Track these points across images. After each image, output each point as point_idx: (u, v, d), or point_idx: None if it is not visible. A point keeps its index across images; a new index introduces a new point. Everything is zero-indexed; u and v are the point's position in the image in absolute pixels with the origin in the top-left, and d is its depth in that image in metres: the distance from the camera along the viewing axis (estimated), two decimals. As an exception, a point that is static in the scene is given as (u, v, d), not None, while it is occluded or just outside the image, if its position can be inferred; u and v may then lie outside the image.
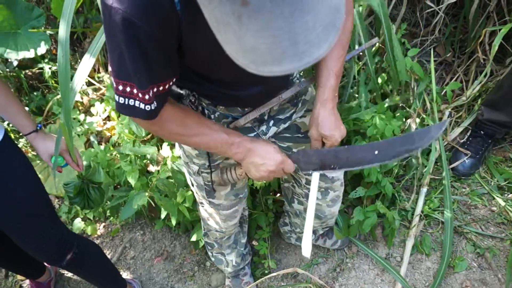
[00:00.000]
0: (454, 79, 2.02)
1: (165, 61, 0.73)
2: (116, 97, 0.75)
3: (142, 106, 0.76)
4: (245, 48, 0.45)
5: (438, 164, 1.82)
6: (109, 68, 0.76)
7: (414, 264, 1.64)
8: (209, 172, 1.11)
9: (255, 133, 1.06)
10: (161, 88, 0.77)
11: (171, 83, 0.79)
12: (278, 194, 1.77)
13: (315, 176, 0.94)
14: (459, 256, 1.61)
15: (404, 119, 1.68)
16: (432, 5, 1.85)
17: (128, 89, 0.74)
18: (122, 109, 0.77)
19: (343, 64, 0.94)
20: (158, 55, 0.71)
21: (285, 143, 1.15)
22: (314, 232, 1.66)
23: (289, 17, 0.41)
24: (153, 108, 0.77)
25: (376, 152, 0.89)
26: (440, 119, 1.88)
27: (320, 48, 0.45)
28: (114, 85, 0.74)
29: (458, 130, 1.91)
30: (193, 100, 0.93)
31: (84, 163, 1.41)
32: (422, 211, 1.71)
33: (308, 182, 1.25)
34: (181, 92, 0.92)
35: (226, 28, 0.44)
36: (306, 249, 0.90)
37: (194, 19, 0.67)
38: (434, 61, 1.94)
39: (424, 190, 1.72)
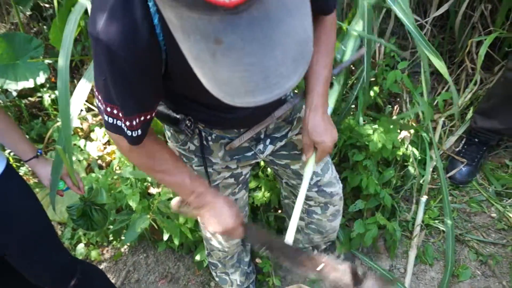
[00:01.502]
0: (445, 88, 2.06)
1: (149, 90, 0.75)
2: (105, 117, 0.77)
3: (126, 130, 0.78)
4: (220, 82, 0.48)
5: (435, 173, 1.84)
6: (95, 91, 0.77)
7: (418, 275, 1.64)
8: None
9: (253, 152, 1.08)
10: (148, 117, 0.79)
11: (155, 111, 0.82)
12: (279, 211, 1.78)
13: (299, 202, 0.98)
14: (462, 265, 1.61)
15: (398, 131, 1.71)
16: (418, 18, 1.91)
17: (115, 111, 0.76)
18: (110, 127, 0.79)
19: (330, 72, 0.98)
20: (143, 85, 0.72)
21: (283, 160, 1.18)
22: (317, 247, 1.66)
23: (259, 53, 0.44)
24: (136, 135, 0.79)
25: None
26: (434, 128, 1.92)
27: (290, 80, 0.47)
28: (102, 107, 0.76)
29: (452, 138, 1.94)
30: (189, 124, 0.94)
31: (86, 186, 1.43)
32: (422, 221, 1.72)
33: (308, 198, 1.27)
34: (177, 116, 0.94)
35: (203, 64, 0.47)
36: (290, 237, 0.94)
37: (177, 46, 0.71)
38: (425, 72, 1.99)
39: (423, 200, 1.74)
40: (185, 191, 0.91)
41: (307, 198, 1.27)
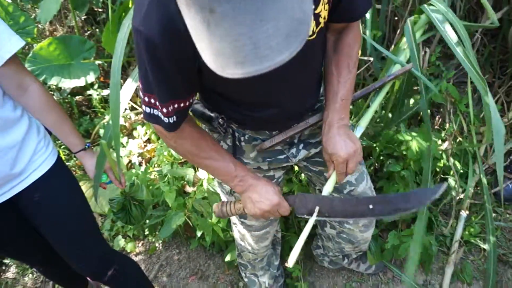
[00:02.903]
0: (494, 100, 1.95)
1: (183, 79, 0.80)
2: (144, 107, 0.84)
3: (163, 117, 0.83)
4: (214, 53, 0.50)
5: (478, 188, 1.75)
6: (138, 84, 0.85)
7: (455, 293, 1.56)
8: None
9: (285, 155, 1.09)
10: (181, 104, 0.83)
11: (189, 101, 0.86)
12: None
13: (311, 221, 0.95)
14: (504, 287, 1.52)
15: (440, 141, 1.65)
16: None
17: (152, 100, 0.82)
18: (149, 118, 0.85)
19: (350, 88, 0.95)
20: (177, 73, 0.77)
21: (317, 167, 1.18)
22: (347, 256, 1.64)
23: (250, 24, 0.46)
24: (172, 121, 0.83)
25: (371, 206, 0.91)
26: (480, 141, 1.82)
27: (281, 54, 0.49)
28: (142, 97, 0.83)
29: (499, 153, 1.83)
30: (221, 122, 0.98)
31: (127, 182, 1.50)
32: (462, 237, 1.64)
33: None
34: (211, 114, 0.98)
35: (201, 36, 0.50)
36: (292, 259, 0.90)
37: None
38: (472, 82, 1.90)
39: (463, 215, 1.66)
40: (229, 176, 0.95)
41: None
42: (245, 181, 0.95)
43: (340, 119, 0.93)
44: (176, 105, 0.82)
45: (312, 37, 0.82)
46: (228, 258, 1.67)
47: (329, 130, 0.94)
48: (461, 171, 1.66)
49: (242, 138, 1.04)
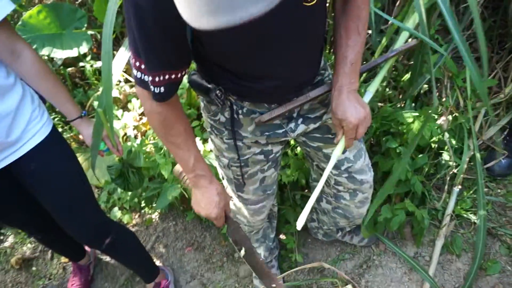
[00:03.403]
0: (492, 75, 1.94)
1: (172, 49, 0.78)
2: (134, 72, 0.83)
3: (150, 85, 0.82)
4: (188, 3, 0.50)
5: (471, 163, 1.77)
6: (128, 47, 0.84)
7: (444, 264, 1.61)
8: (238, 166, 1.15)
9: (284, 130, 1.08)
10: (172, 76, 0.82)
11: (179, 74, 0.84)
12: (306, 190, 1.79)
13: (317, 188, 0.97)
14: (492, 259, 1.56)
15: (436, 117, 1.65)
16: (469, -1, 1.79)
17: (142, 66, 0.81)
18: (138, 82, 0.85)
19: (360, 51, 0.93)
20: (165, 41, 0.76)
21: (315, 142, 1.17)
22: (341, 229, 1.67)
23: None
24: (157, 91, 0.83)
25: None
26: (475, 117, 1.83)
27: (255, 4, 0.47)
28: (132, 61, 0.81)
29: (494, 128, 1.84)
30: (219, 94, 0.96)
31: (125, 150, 1.50)
32: (453, 211, 1.68)
33: (337, 183, 1.27)
34: (209, 86, 0.96)
35: None
36: (300, 222, 0.95)
37: None
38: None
39: (456, 189, 1.68)
40: (186, 168, 0.98)
41: (337, 183, 1.27)
42: (198, 180, 0.99)
43: (350, 84, 0.92)
44: (167, 76, 0.81)
45: (312, 3, 0.80)
46: (224, 230, 1.69)
47: (339, 95, 0.92)
48: (456, 146, 1.67)
49: (240, 111, 1.02)
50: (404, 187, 1.59)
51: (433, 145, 1.65)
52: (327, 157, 1.20)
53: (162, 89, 0.82)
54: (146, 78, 0.82)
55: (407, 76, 1.68)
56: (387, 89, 1.86)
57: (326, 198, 1.41)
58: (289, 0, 0.73)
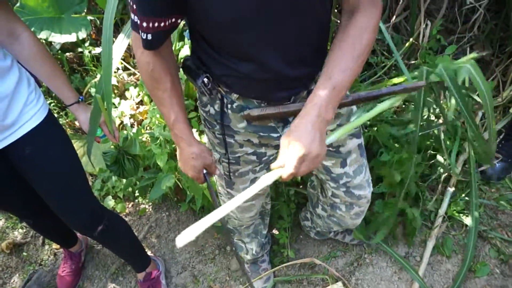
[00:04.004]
0: (491, 79, 1.95)
1: None
2: (132, 15, 0.82)
3: (140, 30, 0.81)
4: None
5: (466, 166, 1.78)
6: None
7: (434, 265, 1.63)
8: (227, 162, 1.14)
9: (279, 134, 1.04)
10: (162, 24, 0.80)
11: (168, 23, 0.81)
12: (301, 186, 1.79)
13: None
14: (481, 261, 1.58)
15: (433, 117, 1.65)
16: (472, 0, 1.79)
17: (134, 6, 0.80)
18: (133, 26, 0.84)
19: (349, 79, 0.79)
20: None
21: None
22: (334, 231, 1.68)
23: None
24: (145, 38, 0.82)
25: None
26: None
27: None
28: (130, 3, 0.80)
29: (490, 132, 1.85)
30: (206, 81, 0.94)
31: (121, 137, 1.49)
32: (446, 213, 1.69)
33: (334, 195, 1.25)
34: (198, 72, 0.95)
35: None
36: (181, 240, 0.68)
37: None
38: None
39: (449, 191, 1.69)
40: (168, 125, 0.99)
41: (334, 195, 1.25)
42: (176, 140, 1.00)
43: (324, 111, 0.77)
44: (156, 24, 0.80)
45: None
46: (217, 222, 1.69)
47: (306, 115, 0.77)
48: (451, 148, 1.67)
49: (229, 106, 1.00)
50: (398, 187, 1.59)
51: (428, 144, 1.65)
52: (327, 170, 1.17)
53: (150, 36, 0.82)
54: (136, 20, 0.81)
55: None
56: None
57: (322, 206, 1.40)
58: None
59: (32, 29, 1.90)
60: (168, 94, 0.93)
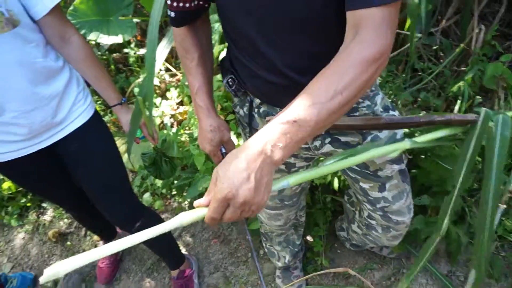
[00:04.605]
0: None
1: None
2: None
3: (168, 8, 0.88)
4: None
5: (520, 182, 1.65)
6: None
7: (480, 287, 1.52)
8: None
9: (308, 145, 1.01)
10: (180, 4, 0.86)
11: (189, 5, 0.86)
12: (338, 194, 1.75)
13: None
14: (534, 286, 1.46)
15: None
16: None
17: None
18: (167, 5, 0.89)
19: (322, 118, 0.59)
20: None
21: (353, 173, 1.07)
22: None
23: None
24: (169, 14, 0.88)
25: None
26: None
27: None
28: None
29: (550, 146, 1.70)
30: (230, 82, 0.96)
31: (160, 138, 1.53)
32: (495, 231, 1.57)
33: (370, 217, 1.18)
34: (226, 73, 0.98)
35: None
36: (47, 274, 0.55)
37: None
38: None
39: (500, 208, 1.57)
40: (191, 94, 1.01)
41: (370, 216, 1.18)
42: (197, 110, 1.00)
43: (271, 149, 0.57)
44: (180, 4, 0.86)
45: None
46: (251, 226, 1.69)
47: (244, 148, 0.58)
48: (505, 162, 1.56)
49: (256, 110, 1.00)
50: (442, 200, 1.50)
51: (478, 158, 1.55)
52: (364, 192, 1.09)
53: (173, 14, 0.88)
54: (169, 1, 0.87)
55: (457, 85, 1.58)
56: (431, 98, 1.77)
57: (358, 224, 1.34)
58: None
59: (83, 31, 2.00)
60: (195, 63, 0.96)
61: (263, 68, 0.86)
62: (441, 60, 1.88)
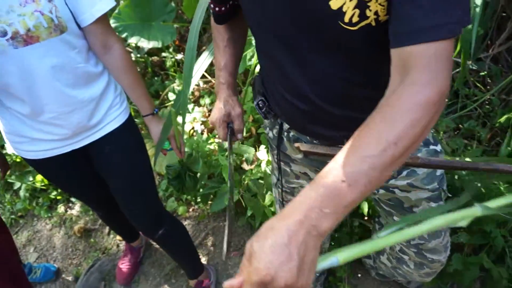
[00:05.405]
0: None
1: None
2: None
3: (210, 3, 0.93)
4: None
5: None
6: None
7: (516, 334, 1.40)
8: (281, 188, 1.08)
9: None
10: (216, 9, 0.91)
11: (221, 9, 0.91)
12: (366, 218, 1.68)
13: None
14: None
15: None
16: None
17: None
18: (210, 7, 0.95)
19: (373, 174, 0.50)
20: None
21: (387, 207, 1.01)
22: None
23: None
24: (210, 10, 0.94)
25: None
26: None
27: None
28: None
29: None
30: (261, 105, 0.94)
31: (187, 150, 1.53)
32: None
33: (403, 251, 1.11)
34: (258, 94, 0.97)
35: None
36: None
37: None
38: None
39: (545, 252, 1.45)
40: (216, 70, 1.02)
41: (402, 251, 1.11)
42: (218, 87, 1.01)
43: (316, 216, 0.49)
44: (212, 5, 0.91)
45: (349, 27, 0.62)
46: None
47: (283, 217, 0.49)
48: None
49: (285, 134, 0.97)
50: (481, 239, 1.41)
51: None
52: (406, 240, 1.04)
53: (211, 11, 0.94)
54: None
55: (506, 116, 1.49)
56: (476, 127, 1.67)
57: (388, 257, 1.27)
58: (319, 12, 0.62)
59: (125, 34, 2.05)
60: (225, 43, 0.98)
61: (289, 92, 0.82)
62: (488, 87, 1.78)
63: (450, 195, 1.42)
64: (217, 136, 1.06)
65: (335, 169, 0.51)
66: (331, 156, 0.79)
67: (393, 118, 0.52)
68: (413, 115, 0.51)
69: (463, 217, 0.58)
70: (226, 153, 1.67)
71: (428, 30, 0.52)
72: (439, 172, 0.94)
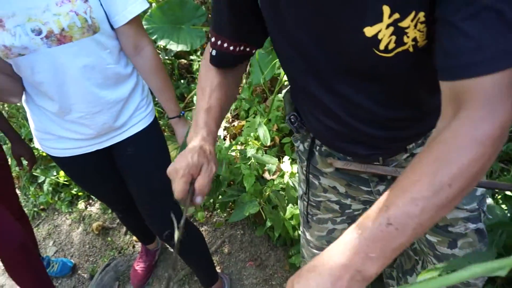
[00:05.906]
0: None
1: (227, 15, 0.73)
2: None
3: (209, 44, 0.80)
4: None
5: None
6: None
7: None
8: (306, 201, 1.04)
9: (369, 189, 0.92)
10: (224, 44, 0.77)
11: (231, 46, 0.77)
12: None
13: None
14: None
15: None
16: None
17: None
18: (210, 42, 0.82)
19: (424, 217, 0.46)
20: (223, 4, 0.72)
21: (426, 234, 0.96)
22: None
23: None
24: (210, 51, 0.79)
25: None
26: None
27: None
28: None
29: None
30: (293, 120, 0.89)
31: None
32: None
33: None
34: (290, 108, 0.91)
35: None
36: None
37: None
38: None
39: None
40: (196, 112, 0.81)
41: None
42: (194, 128, 0.79)
43: (362, 261, 0.46)
44: (219, 42, 0.77)
45: (385, 54, 0.58)
46: (292, 259, 1.60)
47: (325, 261, 0.49)
48: None
49: (317, 148, 0.93)
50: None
51: None
52: (431, 245, 0.94)
53: (214, 52, 0.79)
54: (210, 34, 0.81)
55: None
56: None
57: (416, 274, 1.21)
58: (352, 40, 0.59)
59: (154, 37, 2.06)
60: (213, 88, 0.80)
61: (326, 116, 0.79)
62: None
63: (490, 217, 1.34)
64: (173, 190, 0.75)
65: (382, 211, 0.47)
66: (366, 173, 0.74)
67: (447, 157, 0.47)
68: (470, 154, 0.46)
69: (503, 266, 0.52)
70: (249, 162, 1.64)
71: (482, 63, 0.46)
72: (479, 191, 0.88)
